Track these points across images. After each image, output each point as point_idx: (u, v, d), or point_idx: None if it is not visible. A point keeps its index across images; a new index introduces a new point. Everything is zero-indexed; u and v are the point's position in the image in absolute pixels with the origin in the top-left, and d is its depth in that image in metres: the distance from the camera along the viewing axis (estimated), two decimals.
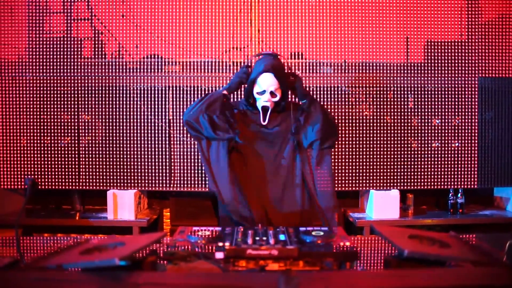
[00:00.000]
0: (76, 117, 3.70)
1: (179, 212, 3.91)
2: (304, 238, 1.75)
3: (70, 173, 3.69)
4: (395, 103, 3.75)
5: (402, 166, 3.75)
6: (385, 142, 3.74)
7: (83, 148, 3.70)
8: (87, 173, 3.69)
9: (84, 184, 3.70)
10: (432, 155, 3.77)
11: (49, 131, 3.69)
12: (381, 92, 3.74)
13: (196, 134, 2.46)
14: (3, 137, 3.68)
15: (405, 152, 3.75)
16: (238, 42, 3.69)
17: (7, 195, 3.74)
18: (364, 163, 3.73)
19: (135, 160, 3.70)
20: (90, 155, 3.69)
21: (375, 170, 3.74)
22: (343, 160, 3.72)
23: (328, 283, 1.39)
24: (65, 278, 1.42)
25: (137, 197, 3.70)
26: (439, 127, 3.77)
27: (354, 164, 3.73)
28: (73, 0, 3.68)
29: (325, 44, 3.70)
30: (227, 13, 3.67)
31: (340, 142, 3.71)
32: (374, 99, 3.74)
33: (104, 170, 3.69)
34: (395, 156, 3.74)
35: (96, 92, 3.69)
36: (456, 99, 3.76)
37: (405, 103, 3.76)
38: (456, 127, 3.77)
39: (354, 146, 3.73)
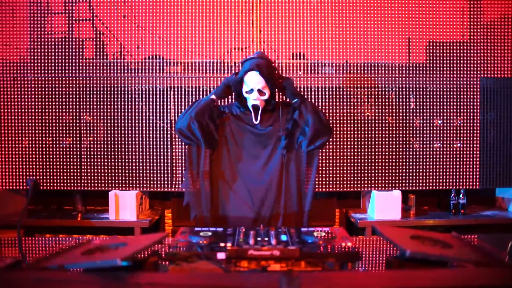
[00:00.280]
0: (77, 118, 3.70)
1: (180, 213, 3.91)
2: (305, 238, 1.75)
3: (71, 174, 3.70)
4: (397, 103, 3.74)
5: (403, 167, 3.74)
6: (386, 142, 3.74)
7: (85, 149, 3.71)
8: (88, 174, 3.70)
9: (86, 184, 3.70)
10: (434, 156, 3.76)
11: (50, 132, 3.69)
12: (383, 93, 3.74)
13: (188, 142, 2.50)
14: (5, 138, 3.68)
15: (407, 153, 3.75)
16: (239, 42, 3.70)
17: (9, 195, 3.74)
18: (366, 164, 3.73)
19: (137, 160, 3.70)
20: (92, 156, 3.70)
21: (376, 171, 3.73)
22: (345, 161, 3.72)
23: (330, 283, 1.39)
24: (67, 278, 1.43)
25: (139, 198, 3.70)
26: (441, 128, 3.77)
27: (355, 164, 3.73)
28: (74, 1, 3.69)
29: (326, 45, 3.70)
30: (228, 14, 3.68)
31: (341, 143, 3.71)
32: (376, 100, 3.74)
33: (106, 170, 3.70)
34: (397, 156, 3.74)
35: (98, 93, 3.70)
36: (458, 100, 3.75)
37: (407, 103, 3.75)
38: (458, 128, 3.77)
39: (355, 146, 3.73)
